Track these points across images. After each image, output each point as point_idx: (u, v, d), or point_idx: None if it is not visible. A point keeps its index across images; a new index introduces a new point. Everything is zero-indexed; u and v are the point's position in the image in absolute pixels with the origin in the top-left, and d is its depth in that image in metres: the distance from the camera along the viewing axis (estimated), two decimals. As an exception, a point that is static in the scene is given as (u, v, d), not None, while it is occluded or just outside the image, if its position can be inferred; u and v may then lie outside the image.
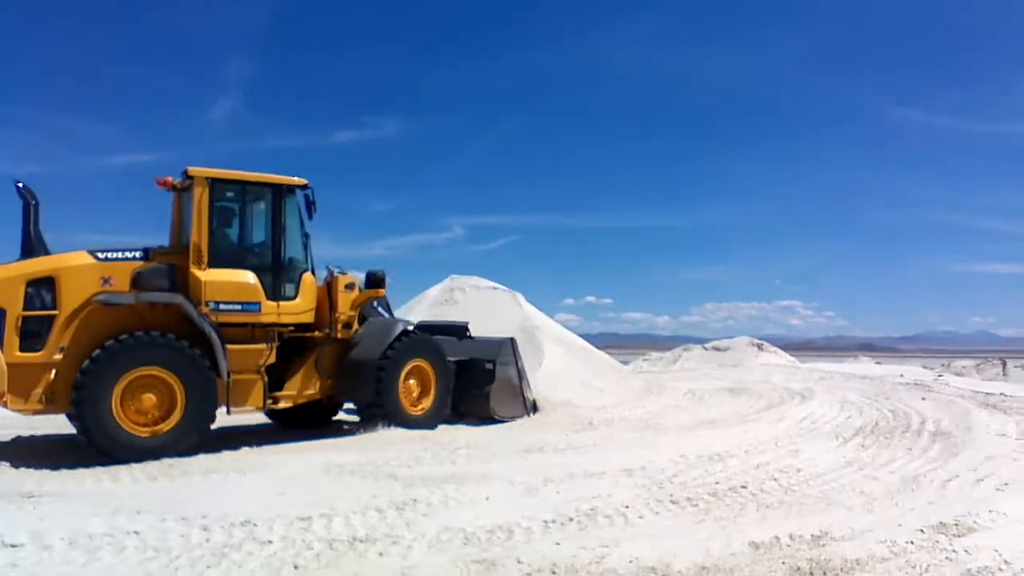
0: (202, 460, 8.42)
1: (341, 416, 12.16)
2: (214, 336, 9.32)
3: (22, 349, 8.43)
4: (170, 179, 10.17)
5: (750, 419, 12.35)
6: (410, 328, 11.45)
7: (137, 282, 9.06)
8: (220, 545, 5.22)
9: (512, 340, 12.81)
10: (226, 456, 8.74)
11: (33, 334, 8.50)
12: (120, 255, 9.19)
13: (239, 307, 9.67)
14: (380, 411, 10.63)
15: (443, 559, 5.05)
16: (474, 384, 12.00)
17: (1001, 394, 15.85)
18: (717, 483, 7.39)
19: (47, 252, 9.09)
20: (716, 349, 32.39)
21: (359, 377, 10.62)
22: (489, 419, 12.03)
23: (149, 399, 8.77)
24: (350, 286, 10.98)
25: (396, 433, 10.26)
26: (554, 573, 4.85)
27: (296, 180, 10.43)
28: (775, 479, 7.61)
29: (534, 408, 12.89)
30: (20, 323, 8.44)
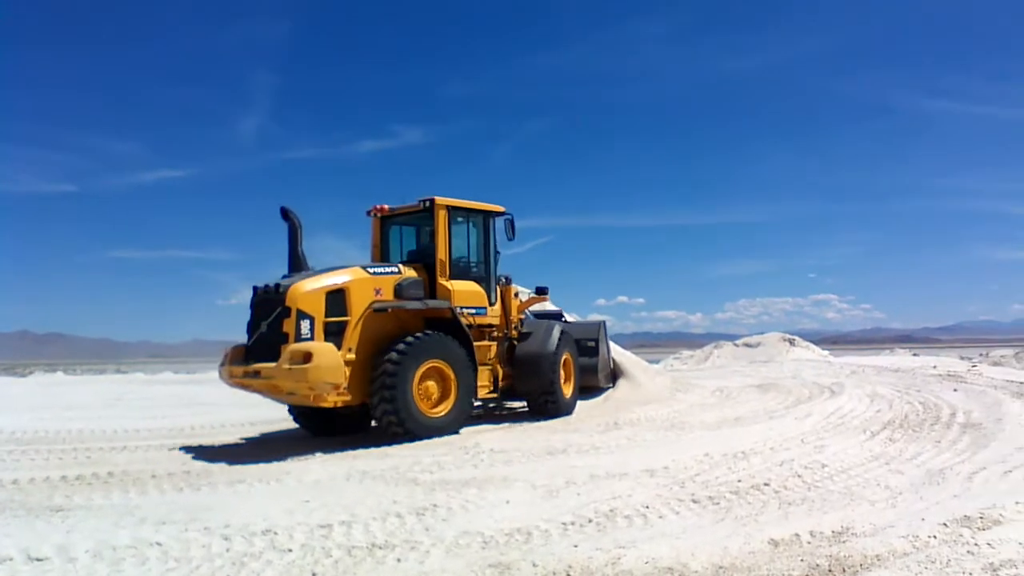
0: (228, 470, 8.52)
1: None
2: (469, 335, 11.37)
3: None
4: (385, 207, 12.28)
5: (777, 415, 12.26)
6: (563, 326, 13.47)
7: (399, 292, 10.89)
8: (240, 554, 5.27)
9: (603, 322, 15.65)
10: (254, 464, 8.81)
11: (332, 336, 10.02)
12: (383, 270, 11.01)
13: (474, 311, 11.90)
14: (552, 399, 12.67)
15: (459, 564, 5.07)
16: (581, 357, 14.36)
17: (1036, 383, 15.56)
18: (740, 481, 7.33)
19: (309, 268, 10.76)
20: (747, 346, 32.17)
21: (537, 369, 12.50)
22: (596, 389, 15.04)
23: (432, 386, 10.70)
24: (517, 294, 13.24)
25: (420, 439, 10.36)
26: (568, 575, 4.85)
27: (498, 208, 12.54)
28: (799, 476, 7.55)
29: (614, 378, 15.82)
30: (324, 328, 9.97)
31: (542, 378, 12.50)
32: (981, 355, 35.32)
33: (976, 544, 5.27)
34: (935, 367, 21.50)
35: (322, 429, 11.39)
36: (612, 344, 16.49)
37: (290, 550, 5.36)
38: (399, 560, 5.18)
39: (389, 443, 10.07)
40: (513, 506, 6.55)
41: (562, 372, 13.08)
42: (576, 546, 5.42)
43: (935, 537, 5.46)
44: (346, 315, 10.21)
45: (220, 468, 8.62)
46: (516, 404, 14.28)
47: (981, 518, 5.85)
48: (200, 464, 8.89)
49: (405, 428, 10.14)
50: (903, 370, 20.57)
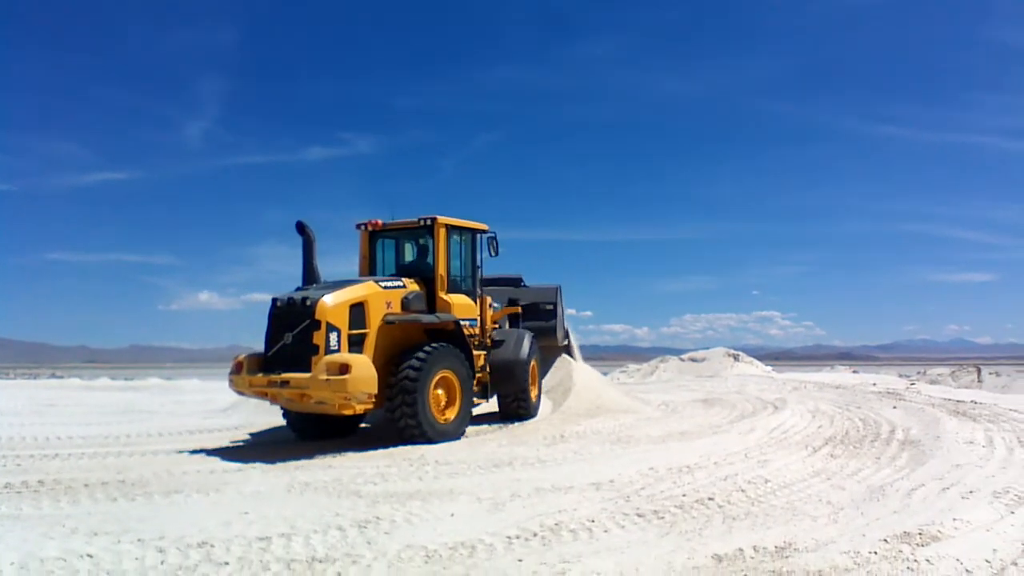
0: (165, 479, 8.29)
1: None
2: (470, 346, 12.15)
3: None
4: (379, 221, 12.78)
5: (722, 430, 12.35)
6: (532, 335, 14.22)
7: (405, 305, 11.47)
8: (175, 567, 5.11)
9: (559, 287, 16.42)
10: (192, 474, 8.59)
11: (354, 347, 10.53)
12: (392, 284, 11.55)
13: (469, 322, 12.55)
14: (524, 402, 13.52)
15: (402, 578, 4.98)
16: (540, 320, 15.38)
17: (972, 401, 15.96)
18: (684, 495, 7.35)
19: (322, 281, 11.30)
20: (692, 360, 32.48)
21: (512, 373, 13.17)
22: (556, 348, 15.93)
23: (441, 394, 11.26)
24: (491, 305, 13.80)
25: (365, 449, 10.24)
26: (513, 590, 4.79)
27: (483, 226, 13.25)
28: (742, 490, 7.59)
29: (567, 336, 16.68)
30: (348, 340, 10.44)
31: (516, 383, 13.28)
32: (919, 373, 36.12)
33: (916, 560, 5.34)
34: (875, 384, 21.95)
35: (314, 433, 11.63)
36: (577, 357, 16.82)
37: (227, 563, 5.21)
38: (339, 574, 5.07)
39: (335, 452, 9.96)
40: (458, 519, 6.47)
41: (530, 377, 13.83)
42: (521, 560, 5.36)
43: (876, 553, 5.52)
44: (365, 327, 10.76)
45: (156, 477, 8.38)
46: None
47: (920, 534, 5.95)
48: (135, 473, 8.62)
49: (423, 433, 10.64)
50: (844, 387, 20.94)
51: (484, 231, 13.28)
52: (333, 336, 10.26)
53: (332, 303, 10.38)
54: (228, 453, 10.31)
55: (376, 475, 8.40)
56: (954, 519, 6.38)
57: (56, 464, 9.53)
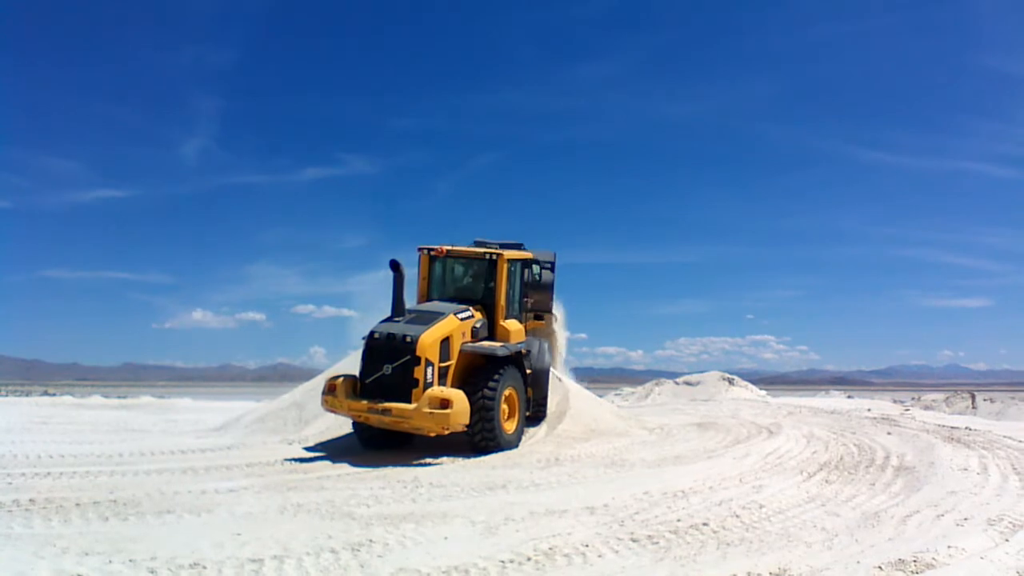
0: (157, 499, 8.24)
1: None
2: (525, 368, 13.42)
3: None
4: (444, 248, 13.85)
5: (716, 455, 12.33)
6: (548, 344, 15.12)
7: (474, 333, 12.68)
8: (166, 589, 5.08)
9: (555, 253, 16.72)
10: (184, 494, 8.54)
11: (442, 378, 11.71)
12: (465, 315, 12.58)
13: (520, 346, 13.47)
14: (544, 406, 14.51)
15: (395, 601, 4.95)
16: (540, 287, 15.81)
17: (966, 428, 15.98)
18: (679, 520, 7.33)
19: (406, 312, 12.21)
20: (687, 383, 32.50)
21: (538, 382, 14.08)
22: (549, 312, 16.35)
23: (505, 409, 12.47)
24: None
25: (359, 471, 10.18)
26: (507, 615, 4.76)
27: (529, 255, 14.70)
28: (737, 516, 7.58)
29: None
30: (439, 372, 11.62)
31: (540, 391, 14.29)
32: (913, 399, 36.18)
33: (910, 588, 5.33)
34: (869, 410, 21.95)
35: (379, 444, 12.51)
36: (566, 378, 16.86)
37: (219, 585, 5.18)
38: (332, 597, 5.04)
39: (328, 473, 9.89)
40: (451, 543, 6.45)
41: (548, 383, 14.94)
42: (514, 585, 5.34)
43: (870, 580, 5.50)
44: (450, 359, 12.01)
45: (148, 497, 8.33)
46: None
47: (915, 561, 5.94)
48: (127, 493, 8.57)
49: (497, 443, 12.05)
50: (838, 412, 20.93)
51: (530, 259, 14.68)
52: (430, 370, 11.46)
53: (429, 341, 11.50)
54: (221, 473, 10.25)
55: (369, 497, 8.37)
56: (949, 546, 6.38)
57: (48, 482, 9.46)
